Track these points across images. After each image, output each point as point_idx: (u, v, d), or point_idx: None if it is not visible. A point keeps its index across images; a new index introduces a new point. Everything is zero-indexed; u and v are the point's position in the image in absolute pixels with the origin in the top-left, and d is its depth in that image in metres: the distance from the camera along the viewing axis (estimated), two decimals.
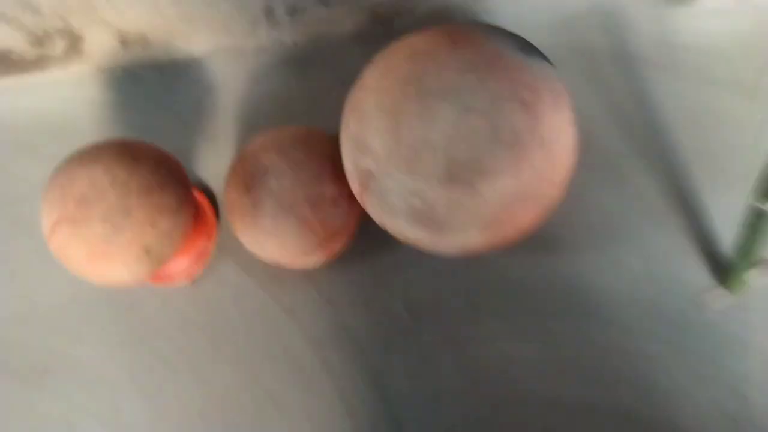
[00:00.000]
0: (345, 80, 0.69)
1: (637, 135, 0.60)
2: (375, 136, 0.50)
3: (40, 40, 0.72)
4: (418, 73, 0.49)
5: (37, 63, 0.75)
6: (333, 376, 0.60)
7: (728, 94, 0.59)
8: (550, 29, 0.54)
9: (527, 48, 0.51)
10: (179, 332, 0.65)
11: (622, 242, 0.58)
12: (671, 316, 0.55)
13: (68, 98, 0.75)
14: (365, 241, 0.63)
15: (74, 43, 0.73)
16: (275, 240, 0.58)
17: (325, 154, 0.59)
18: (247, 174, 0.59)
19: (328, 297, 0.63)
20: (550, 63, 0.51)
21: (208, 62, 0.75)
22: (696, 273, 0.56)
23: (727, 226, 0.56)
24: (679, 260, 0.56)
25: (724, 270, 0.53)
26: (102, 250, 0.55)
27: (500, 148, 0.46)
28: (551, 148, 0.48)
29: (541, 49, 0.50)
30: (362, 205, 0.54)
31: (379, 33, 0.70)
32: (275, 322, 0.63)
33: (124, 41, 0.73)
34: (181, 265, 0.66)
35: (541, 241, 0.59)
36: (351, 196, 0.58)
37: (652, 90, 0.62)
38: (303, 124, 0.63)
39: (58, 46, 0.73)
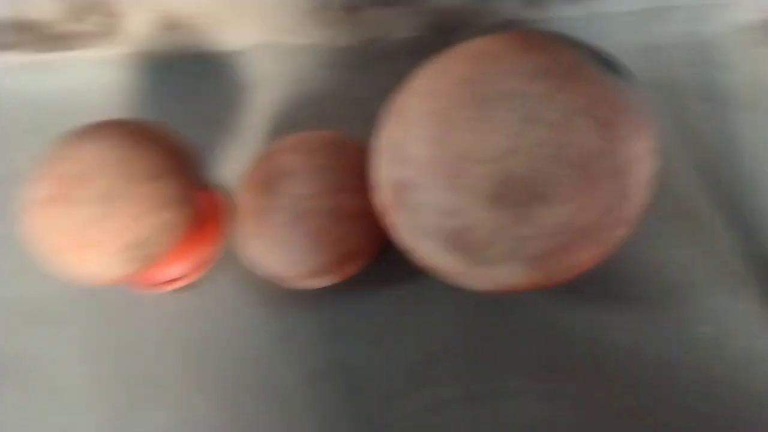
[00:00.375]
0: (393, 90, 0.63)
1: (721, 184, 0.52)
2: (418, 143, 0.43)
3: (77, 13, 0.67)
4: (479, 76, 0.42)
5: (70, 39, 0.70)
6: (323, 421, 0.51)
7: None
8: (632, 55, 0.47)
9: (611, 63, 0.44)
10: (157, 348, 0.57)
11: (689, 305, 0.49)
12: (742, 402, 0.45)
13: (95, 79, 0.70)
14: (384, 268, 0.55)
15: (113, 22, 0.68)
16: (284, 252, 0.50)
17: (352, 164, 0.52)
18: (264, 175, 0.52)
19: (331, 328, 0.54)
20: (636, 83, 0.44)
21: (248, 57, 0.70)
22: None
23: None
24: (756, 336, 0.47)
25: None
26: (84, 236, 0.48)
27: (565, 169, 0.39)
28: (625, 178, 0.40)
29: None
30: (387, 224, 0.47)
31: (439, 44, 0.64)
32: (266, 350, 0.55)
33: (165, 25, 0.69)
34: (173, 272, 0.59)
35: (593, 289, 0.51)
36: (374, 215, 0.50)
37: (742, 136, 0.54)
38: (339, 131, 0.56)
39: (95, 22, 0.68)
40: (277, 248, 0.50)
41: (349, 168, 0.52)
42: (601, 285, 0.51)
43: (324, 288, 0.55)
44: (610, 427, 0.47)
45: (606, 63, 0.43)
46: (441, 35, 0.64)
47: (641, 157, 0.41)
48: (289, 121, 0.65)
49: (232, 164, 0.64)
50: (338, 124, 0.57)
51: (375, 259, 0.55)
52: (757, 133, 0.54)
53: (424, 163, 0.42)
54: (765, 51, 0.56)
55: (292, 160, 0.52)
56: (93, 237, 0.48)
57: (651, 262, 0.51)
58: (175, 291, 0.59)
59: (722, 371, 0.47)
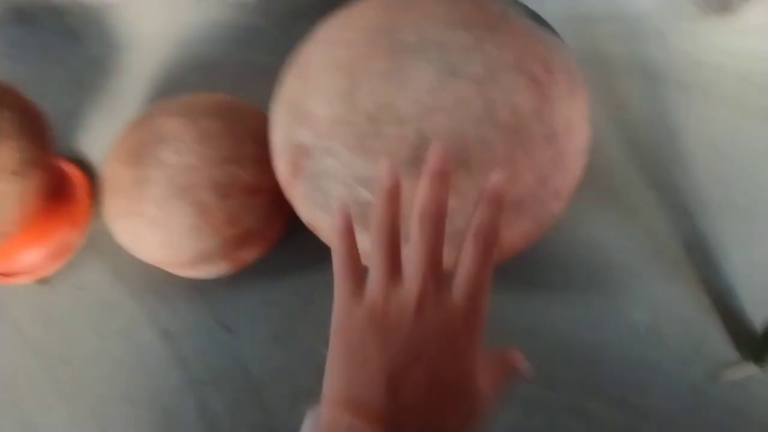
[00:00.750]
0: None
1: (653, 163, 0.49)
2: (321, 100, 0.35)
3: None
4: (391, 24, 0.35)
5: None
6: (212, 428, 0.43)
7: (764, 126, 0.49)
8: (561, 26, 0.42)
9: (540, 20, 0.38)
10: (9, 351, 0.47)
11: (625, 290, 0.45)
12: (678, 385, 0.42)
13: None
14: (288, 253, 0.47)
15: None
16: (160, 233, 0.41)
17: (249, 132, 0.44)
18: (139, 141, 0.43)
19: (225, 322, 0.46)
20: (566, 44, 0.38)
21: (125, 12, 0.59)
22: (711, 336, 0.44)
23: (754, 284, 0.44)
24: (692, 319, 0.44)
25: (752, 338, 0.41)
26: None
27: (494, 131, 0.33)
28: (559, 144, 0.34)
29: None
30: (288, 196, 0.39)
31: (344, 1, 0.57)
32: (147, 348, 0.46)
33: None
34: (25, 260, 0.48)
35: (523, 274, 0.46)
36: (278, 190, 0.43)
37: (674, 112, 0.51)
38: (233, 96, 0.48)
39: None
40: (156, 229, 0.41)
41: (244, 135, 0.43)
42: (531, 270, 0.46)
43: (216, 278, 0.46)
44: (545, 420, 0.42)
45: (534, 17, 0.38)
46: None
47: (576, 122, 0.35)
48: (173, 86, 0.56)
49: (102, 134, 0.54)
50: (234, 90, 0.48)
51: (277, 244, 0.47)
52: (689, 112, 0.51)
53: (328, 124, 0.35)
54: (696, 25, 0.53)
55: (173, 125, 0.43)
56: None
57: (583, 245, 0.46)
58: (31, 284, 0.48)
59: (659, 359, 0.43)
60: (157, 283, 0.48)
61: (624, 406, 0.42)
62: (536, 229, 0.36)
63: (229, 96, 0.47)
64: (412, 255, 0.28)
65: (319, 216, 0.37)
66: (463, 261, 0.28)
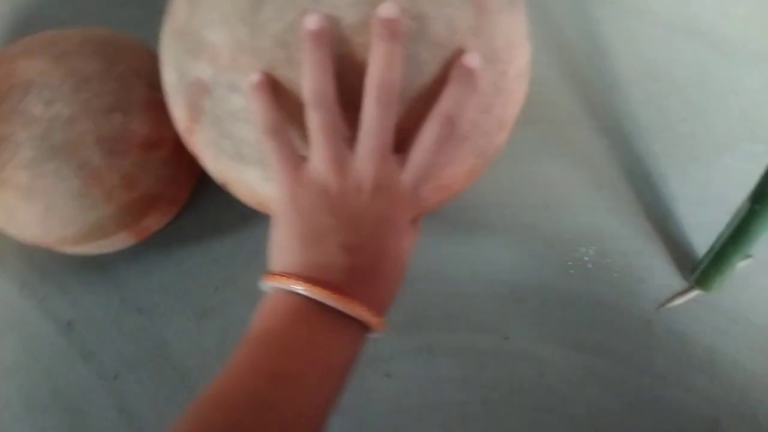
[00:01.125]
0: None
1: (587, 87, 0.46)
2: (218, 24, 0.29)
3: None
4: None
5: None
6: (134, 424, 0.37)
7: (700, 46, 0.48)
8: None
9: None
10: None
11: (568, 226, 0.43)
12: (628, 319, 0.41)
13: None
14: (201, 215, 0.41)
15: None
16: (37, 205, 0.34)
17: (136, 73, 0.37)
18: None
19: (135, 302, 0.40)
20: None
21: None
22: (656, 265, 0.43)
23: (694, 208, 0.43)
24: (637, 249, 0.43)
25: (695, 263, 0.40)
26: None
27: (428, 52, 0.28)
28: (502, 64, 0.30)
29: None
30: (189, 147, 0.33)
31: None
32: (42, 343, 0.40)
33: None
34: None
35: (464, 218, 0.42)
36: (181, 142, 0.36)
37: (607, 33, 0.48)
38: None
39: None
40: (31, 201, 0.34)
41: (130, 77, 0.36)
42: (470, 211, 0.43)
43: (117, 252, 0.40)
44: (499, 368, 0.39)
45: None
46: None
47: (517, 40, 0.31)
48: (29, 22, 0.46)
49: None
50: (109, 23, 0.40)
51: (186, 206, 0.41)
52: (623, 33, 0.48)
53: (230, 54, 0.29)
54: None
55: (37, 67, 0.35)
56: None
57: (523, 182, 0.43)
58: None
59: (607, 294, 0.42)
60: (43, 266, 0.40)
61: (576, 346, 0.41)
62: (480, 165, 0.32)
63: (105, 29, 0.39)
64: (365, 131, 0.27)
65: (230, 167, 0.31)
66: (421, 143, 0.27)
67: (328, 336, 0.26)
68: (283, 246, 0.28)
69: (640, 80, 0.48)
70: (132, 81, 0.36)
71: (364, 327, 0.27)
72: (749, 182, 0.38)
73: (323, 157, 0.27)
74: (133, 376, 0.38)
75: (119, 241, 0.39)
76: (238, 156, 0.30)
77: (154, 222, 0.39)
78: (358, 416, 0.38)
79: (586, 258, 0.43)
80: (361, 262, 0.27)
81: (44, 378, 0.38)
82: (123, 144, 0.34)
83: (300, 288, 0.26)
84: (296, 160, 0.28)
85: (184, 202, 0.41)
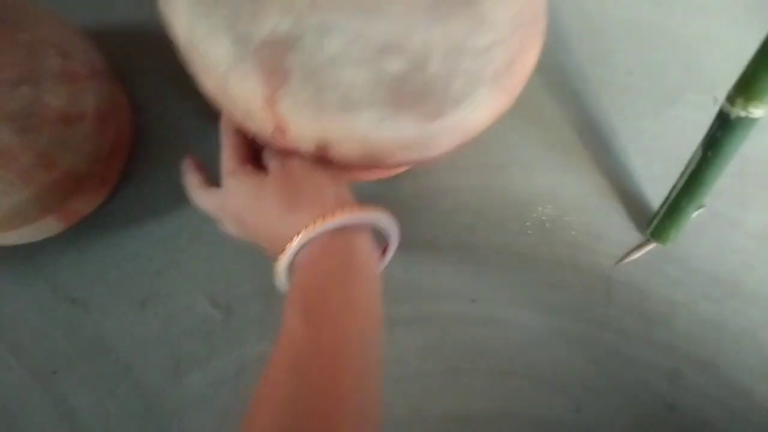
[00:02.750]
0: None
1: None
2: None
3: None
4: None
5: None
6: (77, 424, 0.35)
7: (640, 1, 0.47)
8: None
9: None
10: None
11: (525, 187, 0.42)
12: (589, 277, 0.40)
13: None
14: (134, 195, 0.38)
15: None
16: None
17: (45, 41, 0.33)
18: None
19: (69, 293, 0.37)
20: None
21: None
22: (613, 221, 0.42)
23: (646, 161, 0.43)
24: (594, 206, 0.43)
25: (650, 216, 0.40)
26: None
27: None
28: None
29: None
30: (276, 119, 0.28)
31: None
32: None
33: None
34: None
35: (421, 181, 0.41)
36: (103, 115, 0.33)
37: None
38: None
39: None
40: None
41: (38, 46, 0.32)
42: (427, 175, 0.41)
43: (45, 240, 0.36)
44: (465, 334, 0.38)
45: None
46: None
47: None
48: None
49: None
50: None
51: (118, 186, 0.38)
52: None
53: None
54: None
55: None
56: None
57: (476, 142, 0.42)
58: None
59: (568, 253, 0.41)
60: None
61: (538, 306, 0.40)
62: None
63: None
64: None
65: (336, 121, 0.27)
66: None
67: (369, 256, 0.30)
68: (287, 210, 0.29)
69: (583, 37, 0.47)
70: (40, 50, 0.32)
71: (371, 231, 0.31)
72: (699, 132, 0.38)
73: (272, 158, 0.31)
74: (72, 372, 0.35)
75: (46, 227, 0.35)
76: (347, 103, 0.26)
77: (82, 204, 0.36)
78: None
79: (543, 217, 0.42)
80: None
81: None
82: (36, 119, 0.31)
83: (337, 218, 0.27)
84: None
85: (115, 182, 0.37)
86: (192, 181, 0.33)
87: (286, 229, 0.29)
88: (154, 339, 0.36)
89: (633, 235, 0.42)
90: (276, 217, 0.29)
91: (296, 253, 0.29)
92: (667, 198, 0.41)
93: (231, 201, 0.30)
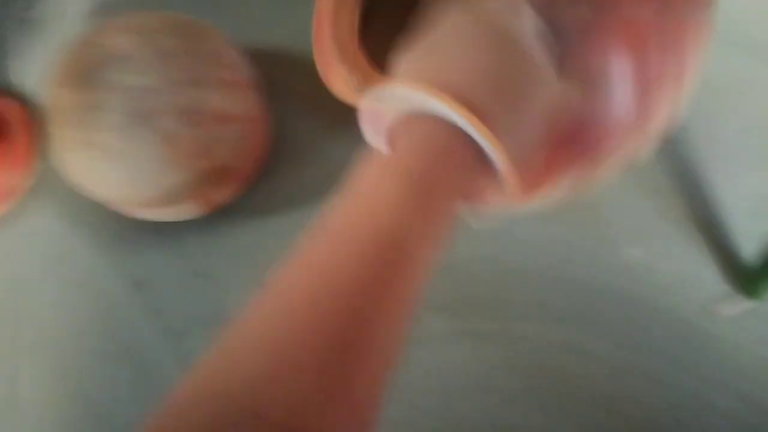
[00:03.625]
0: None
1: None
2: None
3: None
4: None
5: None
6: None
7: (752, 61, 0.47)
8: None
9: None
10: None
11: (617, 227, 0.43)
12: (676, 323, 0.41)
13: None
14: (264, 192, 0.43)
15: None
16: (121, 167, 0.36)
17: (212, 54, 0.39)
18: (85, 63, 0.37)
19: (199, 268, 0.42)
20: None
21: None
22: (705, 272, 0.43)
23: (742, 216, 0.43)
24: (685, 254, 0.43)
25: (744, 272, 0.40)
26: None
27: None
28: None
29: None
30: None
31: None
32: (116, 299, 0.42)
33: None
34: None
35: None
36: (251, 120, 0.38)
37: None
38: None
39: None
40: (115, 162, 0.36)
41: (207, 57, 0.38)
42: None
43: (186, 221, 0.42)
44: (544, 357, 0.40)
45: None
46: None
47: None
48: (111, 5, 0.49)
49: (35, 61, 0.47)
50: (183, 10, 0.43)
51: (250, 184, 0.43)
52: None
53: None
54: None
55: (126, 43, 0.37)
56: None
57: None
58: None
59: (655, 296, 0.42)
60: (118, 227, 0.43)
61: (622, 343, 0.41)
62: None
63: (183, 15, 0.42)
64: None
65: None
66: None
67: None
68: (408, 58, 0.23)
69: (693, 93, 0.47)
70: (209, 60, 0.38)
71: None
72: None
73: None
74: (196, 335, 0.41)
75: (187, 209, 0.41)
76: None
77: (221, 194, 0.41)
78: (408, 396, 0.40)
79: (634, 260, 0.43)
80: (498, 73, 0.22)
81: (114, 330, 0.41)
82: (201, 116, 0.37)
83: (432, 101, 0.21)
84: None
85: (252, 178, 0.43)
86: None
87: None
88: None
89: (725, 288, 0.42)
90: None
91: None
92: (762, 255, 0.41)
93: None
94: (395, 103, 0.23)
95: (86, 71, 0.36)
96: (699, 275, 0.43)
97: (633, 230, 0.44)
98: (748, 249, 0.43)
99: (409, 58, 0.24)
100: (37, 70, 0.47)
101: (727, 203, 0.44)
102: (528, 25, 0.24)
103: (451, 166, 0.22)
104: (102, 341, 0.41)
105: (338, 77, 0.38)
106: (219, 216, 0.43)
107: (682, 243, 0.43)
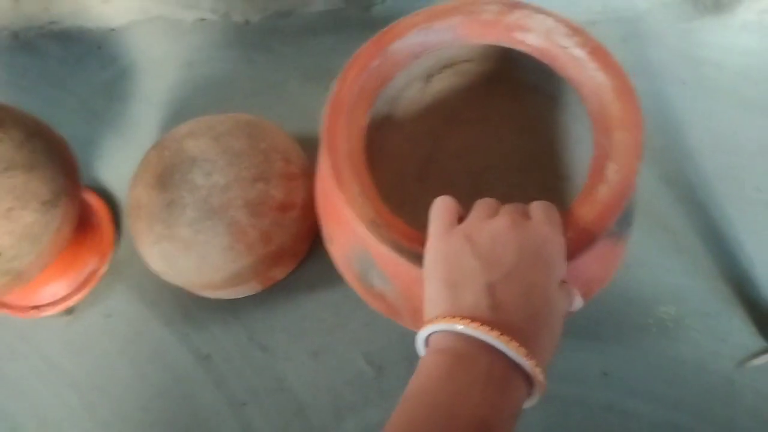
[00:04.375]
0: (306, 71, 0.56)
1: (662, 158, 0.50)
2: None
3: None
4: None
5: None
6: None
7: (765, 119, 0.51)
8: None
9: None
10: (44, 384, 0.47)
11: (648, 287, 0.46)
12: (709, 377, 0.43)
13: None
14: (315, 268, 0.48)
15: None
16: (195, 255, 0.41)
17: (274, 149, 0.44)
18: (164, 165, 0.43)
19: (261, 341, 0.46)
20: None
21: (128, 36, 0.60)
22: (735, 326, 0.45)
23: None
24: (716, 310, 0.46)
25: None
26: None
27: None
28: None
29: None
30: None
31: (354, 18, 0.58)
32: (183, 373, 0.46)
33: None
34: (56, 290, 0.48)
35: None
36: (305, 206, 0.43)
37: (679, 110, 0.53)
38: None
39: None
40: (191, 252, 0.41)
41: (269, 152, 0.44)
42: None
43: (245, 297, 0.47)
44: (582, 417, 0.42)
45: None
46: (357, 7, 0.57)
47: None
48: (184, 109, 0.56)
49: (117, 161, 0.54)
50: (245, 109, 0.49)
51: (307, 259, 0.48)
52: (691, 107, 0.52)
53: None
54: (692, 24, 0.55)
55: (199, 146, 0.43)
56: None
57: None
58: (57, 315, 0.48)
59: (688, 352, 0.44)
60: (185, 306, 0.48)
61: (660, 402, 0.43)
62: None
63: (246, 114, 0.48)
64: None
65: None
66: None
67: (487, 390, 0.26)
68: (432, 299, 0.28)
69: (712, 153, 0.51)
70: (271, 155, 0.44)
71: (523, 384, 0.27)
72: None
73: (472, 216, 0.30)
74: (258, 404, 0.44)
75: (249, 288, 0.45)
76: None
77: (279, 272, 0.46)
78: None
79: (666, 317, 0.46)
80: (508, 298, 0.27)
81: (182, 401, 0.45)
82: (263, 207, 0.42)
83: (456, 325, 0.26)
84: (453, 215, 0.30)
85: (304, 257, 0.47)
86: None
87: (427, 310, 0.29)
88: (322, 384, 0.45)
89: (756, 342, 0.44)
90: (430, 290, 0.29)
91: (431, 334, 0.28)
92: None
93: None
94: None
95: (166, 173, 0.42)
96: (730, 330, 0.45)
97: (665, 290, 0.46)
98: None
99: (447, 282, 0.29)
100: (116, 169, 0.53)
101: (752, 258, 0.47)
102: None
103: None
104: (170, 412, 0.45)
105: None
106: (275, 291, 0.47)
107: (713, 299, 0.46)
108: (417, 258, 0.30)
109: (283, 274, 0.46)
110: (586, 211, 0.31)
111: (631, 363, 0.44)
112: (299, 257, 0.47)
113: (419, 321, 0.29)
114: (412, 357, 0.45)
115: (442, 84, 0.43)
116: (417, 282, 0.31)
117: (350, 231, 0.33)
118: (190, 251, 0.41)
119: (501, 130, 0.45)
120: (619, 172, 0.31)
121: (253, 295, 0.47)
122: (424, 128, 0.45)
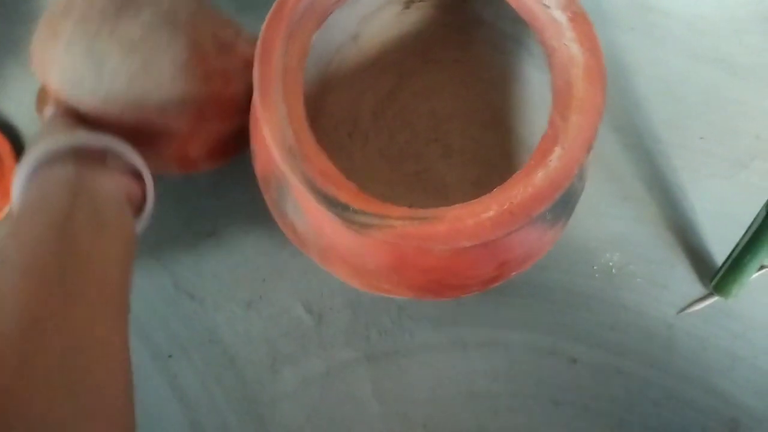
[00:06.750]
0: None
1: (611, 105, 0.49)
2: None
3: None
4: None
5: None
6: (185, 402, 0.40)
7: (716, 72, 0.51)
8: None
9: None
10: None
11: (593, 233, 0.46)
12: (652, 322, 0.43)
13: None
14: (249, 212, 0.44)
15: None
16: (137, 59, 0.33)
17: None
18: None
19: (188, 289, 0.43)
20: None
21: None
22: (679, 274, 0.45)
23: (712, 219, 0.46)
24: (661, 257, 0.45)
25: (714, 271, 0.43)
26: None
27: None
28: None
29: None
30: None
31: None
32: None
33: None
34: None
35: None
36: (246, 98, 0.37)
37: (627, 56, 0.52)
38: None
39: None
40: (131, 55, 0.33)
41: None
42: None
43: (170, 241, 0.42)
44: (528, 363, 0.42)
45: None
46: None
47: None
48: None
49: (18, 93, 0.46)
50: None
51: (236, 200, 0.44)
52: (641, 55, 0.52)
53: None
54: None
55: None
56: None
57: None
58: None
59: (631, 298, 0.44)
60: None
61: (601, 345, 0.43)
62: None
63: None
64: None
65: None
66: None
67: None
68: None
69: (660, 102, 0.51)
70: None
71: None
72: (764, 196, 0.41)
73: None
74: (185, 357, 0.41)
75: (164, 152, 0.37)
76: None
77: (207, 150, 0.38)
78: (397, 405, 0.41)
79: (610, 263, 0.45)
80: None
81: None
82: (232, 52, 0.36)
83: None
84: None
85: (227, 159, 0.40)
86: None
87: None
88: (255, 336, 0.41)
89: (696, 288, 0.45)
90: None
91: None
92: (731, 255, 0.43)
93: None
94: None
95: None
96: (672, 276, 0.45)
97: (609, 237, 0.46)
98: (717, 249, 0.46)
99: None
100: (21, 100, 0.47)
101: (695, 207, 0.47)
102: None
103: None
104: None
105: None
106: (203, 235, 0.43)
107: (657, 247, 0.46)
108: (326, 199, 0.27)
109: (207, 164, 0.39)
110: (516, 193, 0.29)
111: (572, 309, 0.44)
112: (232, 148, 0.40)
113: (327, 259, 0.29)
114: (355, 304, 0.43)
115: (419, 14, 0.40)
116: (327, 222, 0.29)
117: (270, 153, 0.30)
118: (133, 54, 0.33)
119: (471, 78, 0.43)
120: (561, 160, 0.29)
121: (179, 236, 0.43)
122: (392, 59, 0.41)
